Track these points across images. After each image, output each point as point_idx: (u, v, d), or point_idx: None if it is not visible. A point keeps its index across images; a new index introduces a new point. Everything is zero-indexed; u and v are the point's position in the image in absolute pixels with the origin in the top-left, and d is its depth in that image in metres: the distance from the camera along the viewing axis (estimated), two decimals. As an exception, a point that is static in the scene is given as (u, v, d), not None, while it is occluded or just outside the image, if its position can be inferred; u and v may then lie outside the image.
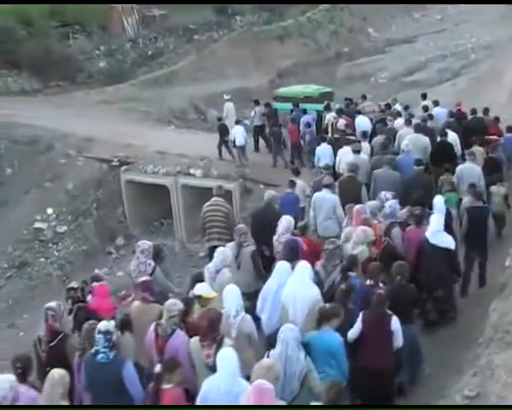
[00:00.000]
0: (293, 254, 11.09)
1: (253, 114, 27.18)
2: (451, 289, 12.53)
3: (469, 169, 15.96)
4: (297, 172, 17.22)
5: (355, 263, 10.90)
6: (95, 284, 11.71)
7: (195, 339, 8.81)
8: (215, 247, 12.80)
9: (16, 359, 8.39)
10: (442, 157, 17.04)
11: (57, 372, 7.88)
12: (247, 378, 7.67)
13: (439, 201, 13.13)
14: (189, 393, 8.36)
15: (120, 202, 26.04)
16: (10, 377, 7.69)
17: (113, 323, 8.68)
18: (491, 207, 15.63)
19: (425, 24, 54.49)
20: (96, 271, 23.41)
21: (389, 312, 9.52)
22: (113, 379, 8.18)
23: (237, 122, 25.81)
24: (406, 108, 23.92)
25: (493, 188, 16.06)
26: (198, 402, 7.79)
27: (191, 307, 9.76)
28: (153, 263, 11.71)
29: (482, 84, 33.76)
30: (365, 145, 18.81)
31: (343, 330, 9.20)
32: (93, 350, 8.37)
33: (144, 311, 9.92)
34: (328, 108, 24.72)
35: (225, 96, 28.83)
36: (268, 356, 8.28)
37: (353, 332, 9.43)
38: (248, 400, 6.89)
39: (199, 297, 9.84)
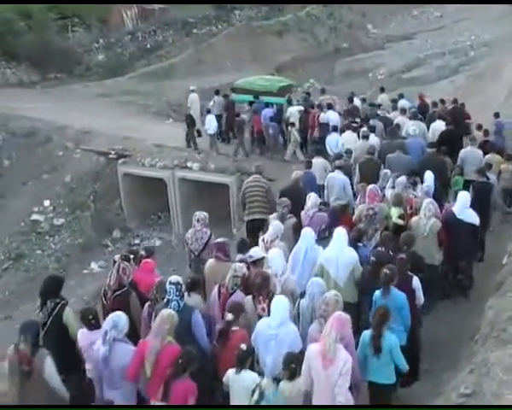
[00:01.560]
0: (335, 221, 12.76)
1: (211, 103, 27.34)
2: (473, 260, 13.91)
3: (472, 152, 17.60)
4: (320, 152, 18.89)
5: (362, 234, 12.13)
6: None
7: (248, 298, 9.80)
8: (254, 220, 15.32)
9: (87, 311, 9.58)
10: (447, 144, 18.22)
11: (166, 311, 8.78)
12: None
13: (429, 176, 14.71)
14: None
15: (117, 195, 25.99)
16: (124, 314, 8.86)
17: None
18: (501, 183, 17.01)
19: (424, 21, 54.58)
20: (93, 264, 23.48)
21: (410, 273, 10.58)
22: (183, 325, 8.99)
23: (208, 111, 26.23)
24: (363, 100, 26.12)
25: (503, 166, 17.56)
26: (252, 339, 8.95)
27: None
28: (209, 231, 12.74)
29: (481, 81, 33.79)
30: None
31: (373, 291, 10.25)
32: (165, 300, 9.36)
33: (217, 269, 10.97)
34: (290, 102, 25.55)
35: (190, 87, 28.84)
36: (299, 304, 9.66)
37: None
38: (331, 327, 7.96)
39: (256, 260, 10.89)
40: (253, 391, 7.72)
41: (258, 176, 16.12)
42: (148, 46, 47.40)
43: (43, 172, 26.49)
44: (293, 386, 7.97)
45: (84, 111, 30.14)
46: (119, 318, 8.71)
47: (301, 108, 24.54)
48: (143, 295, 10.39)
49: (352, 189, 16.14)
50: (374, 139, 18.97)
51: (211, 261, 11.40)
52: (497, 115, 21.90)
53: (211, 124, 25.53)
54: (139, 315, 9.95)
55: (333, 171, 16.54)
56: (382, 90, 27.34)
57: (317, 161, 17.81)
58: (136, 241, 24.78)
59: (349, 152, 18.03)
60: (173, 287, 9.29)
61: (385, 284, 9.83)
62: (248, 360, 8.41)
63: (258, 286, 9.72)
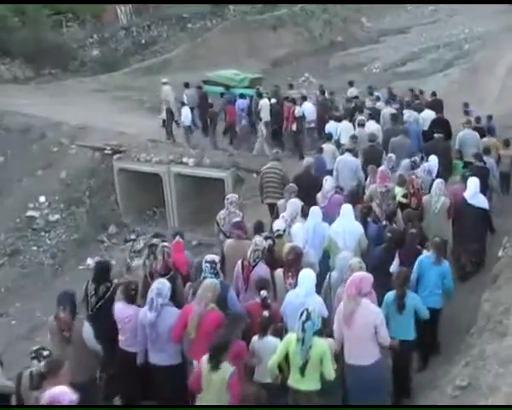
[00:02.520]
0: (354, 199, 13.54)
1: (185, 97, 27.44)
2: (485, 243, 14.48)
3: (470, 134, 18.27)
4: (329, 138, 19.54)
5: (370, 211, 13.14)
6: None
7: (280, 270, 10.50)
8: (269, 203, 16.06)
9: (130, 283, 10.07)
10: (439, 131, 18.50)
11: (209, 280, 9.43)
12: None
13: (433, 158, 15.59)
14: None
15: (113, 191, 25.94)
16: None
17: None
18: (500, 167, 17.68)
19: (418, 14, 54.42)
20: (89, 260, 23.43)
21: (419, 247, 11.43)
22: (219, 300, 9.41)
23: (183, 104, 26.51)
24: (331, 93, 26.81)
25: (502, 152, 18.35)
26: (281, 310, 9.66)
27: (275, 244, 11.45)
28: (241, 213, 13.50)
29: (475, 74, 33.77)
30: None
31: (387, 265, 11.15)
32: (201, 278, 9.88)
33: (237, 246, 11.62)
34: (259, 95, 26.05)
35: (162, 80, 28.87)
36: (330, 277, 10.46)
37: (394, 266, 11.12)
38: (347, 296, 8.74)
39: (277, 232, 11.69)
40: (301, 313, 8.21)
41: (275, 162, 16.70)
42: (143, 41, 47.33)
43: (38, 168, 26.46)
44: None
45: (79, 107, 30.10)
46: (163, 284, 9.44)
47: (275, 100, 25.09)
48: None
49: None
50: (374, 126, 19.64)
51: (230, 241, 12.05)
52: (466, 105, 22.76)
53: (186, 116, 25.87)
54: (183, 298, 10.43)
55: (342, 154, 17.29)
56: (351, 83, 28.09)
57: (328, 147, 18.51)
58: (132, 236, 24.76)
59: (354, 138, 18.53)
60: (208, 265, 9.89)
61: (438, 252, 10.81)
62: (270, 326, 9.02)
63: (291, 262, 10.38)
